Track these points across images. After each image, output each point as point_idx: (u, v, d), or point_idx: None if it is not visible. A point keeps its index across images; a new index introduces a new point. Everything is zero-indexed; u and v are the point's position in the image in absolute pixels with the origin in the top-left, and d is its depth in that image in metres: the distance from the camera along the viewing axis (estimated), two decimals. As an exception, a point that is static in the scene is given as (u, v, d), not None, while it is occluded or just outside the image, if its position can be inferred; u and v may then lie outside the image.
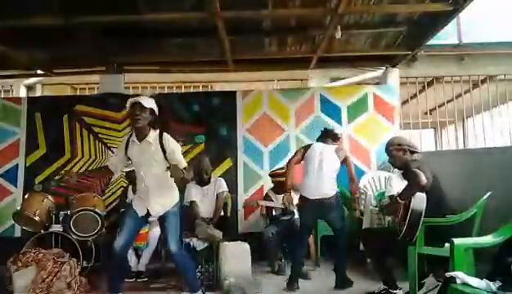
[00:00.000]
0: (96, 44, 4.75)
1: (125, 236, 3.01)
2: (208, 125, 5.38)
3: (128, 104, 2.98)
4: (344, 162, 3.83)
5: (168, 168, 2.96)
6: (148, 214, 3.09)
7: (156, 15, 4.06)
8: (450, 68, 6.82)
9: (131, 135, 3.09)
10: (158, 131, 3.03)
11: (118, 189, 5.28)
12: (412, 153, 3.32)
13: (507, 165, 3.39)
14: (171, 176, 2.94)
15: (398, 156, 3.34)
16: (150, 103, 2.95)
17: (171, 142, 3.02)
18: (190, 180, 3.86)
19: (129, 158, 3.13)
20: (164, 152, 3.00)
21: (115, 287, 3.08)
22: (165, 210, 3.06)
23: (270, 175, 4.81)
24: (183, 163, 3.03)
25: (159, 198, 3.05)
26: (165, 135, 3.03)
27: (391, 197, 3.26)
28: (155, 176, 3.04)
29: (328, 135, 3.89)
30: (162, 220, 3.10)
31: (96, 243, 4.24)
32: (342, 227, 3.73)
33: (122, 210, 3.95)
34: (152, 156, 3.01)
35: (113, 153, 5.33)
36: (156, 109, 3.01)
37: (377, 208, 4.34)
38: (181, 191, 4.46)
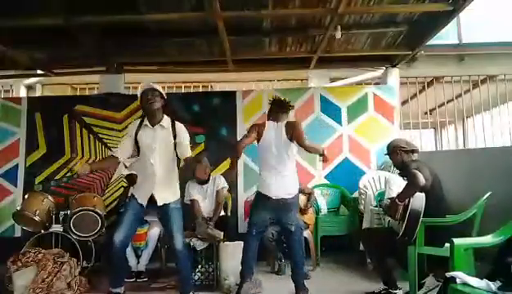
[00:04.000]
0: (96, 44, 4.75)
1: (125, 229, 2.98)
2: (208, 125, 5.38)
3: (139, 93, 3.06)
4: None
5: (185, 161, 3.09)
6: (149, 204, 3.03)
7: (156, 15, 4.06)
8: (450, 68, 6.82)
9: (142, 121, 3.09)
10: (170, 118, 3.11)
11: (118, 189, 5.28)
12: (410, 152, 3.33)
13: (507, 165, 3.39)
14: (186, 165, 3.01)
15: (397, 159, 3.39)
16: (158, 88, 3.08)
17: (183, 130, 3.13)
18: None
19: (137, 145, 3.07)
20: (175, 139, 3.06)
21: (116, 282, 3.06)
22: (168, 201, 3.04)
23: None
24: (188, 153, 3.14)
25: (165, 187, 3.04)
26: (177, 122, 3.13)
27: (390, 199, 3.27)
28: (165, 164, 3.05)
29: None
30: (166, 217, 3.07)
31: (96, 243, 4.24)
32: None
33: (121, 210, 3.94)
34: (165, 141, 3.04)
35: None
36: (164, 95, 3.14)
37: (377, 208, 4.35)
38: (181, 190, 4.50)
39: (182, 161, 3.19)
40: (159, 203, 3.03)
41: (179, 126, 3.13)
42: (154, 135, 3.04)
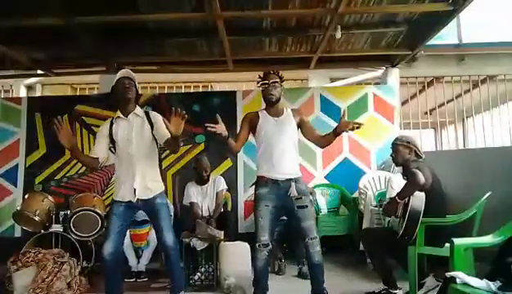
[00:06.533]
0: (96, 44, 4.75)
1: (112, 239, 2.78)
2: (208, 125, 5.37)
3: (116, 79, 2.93)
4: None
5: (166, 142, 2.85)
6: (135, 200, 2.84)
7: (156, 15, 4.06)
8: (450, 68, 6.82)
9: (112, 119, 2.99)
10: (143, 109, 3.02)
11: (118, 189, 5.28)
12: (417, 155, 3.32)
13: (507, 165, 3.39)
14: (167, 146, 2.83)
15: (403, 152, 3.33)
16: (133, 76, 2.96)
17: (157, 116, 2.99)
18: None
19: (113, 140, 2.94)
20: (152, 127, 2.92)
21: (114, 292, 2.90)
22: (152, 195, 2.89)
23: None
24: (167, 134, 2.86)
25: (147, 179, 2.89)
26: (152, 112, 3.03)
27: (391, 199, 3.26)
28: (144, 153, 2.90)
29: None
30: (153, 213, 2.93)
31: (96, 243, 4.24)
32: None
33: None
34: (141, 130, 2.92)
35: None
36: (137, 86, 3.03)
37: (377, 208, 4.35)
38: (181, 192, 4.51)
39: (164, 144, 2.92)
40: (142, 197, 2.86)
41: (154, 114, 3.01)
42: (129, 125, 2.92)
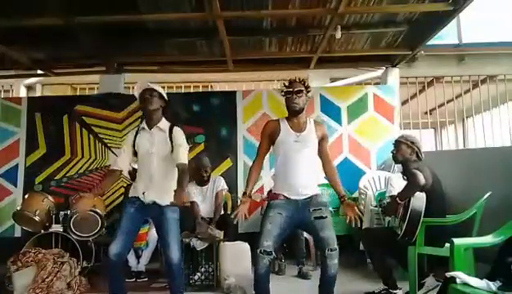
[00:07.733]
0: (96, 44, 4.75)
1: (120, 239, 2.77)
2: (208, 125, 5.38)
3: (136, 93, 2.96)
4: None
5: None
6: (146, 206, 2.86)
7: (156, 15, 4.06)
8: (450, 68, 6.82)
9: (138, 128, 3.00)
10: (169, 123, 2.99)
11: (118, 189, 5.28)
12: (417, 157, 3.32)
13: (507, 165, 3.39)
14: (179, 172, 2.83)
15: (404, 151, 3.33)
16: (158, 88, 2.96)
17: (180, 134, 2.95)
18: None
19: (135, 151, 2.95)
20: (172, 143, 2.90)
21: (118, 292, 2.88)
22: (160, 202, 2.84)
23: None
24: (182, 158, 2.88)
25: (159, 189, 2.86)
26: (176, 127, 2.98)
27: (391, 197, 3.27)
28: (163, 168, 2.90)
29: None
30: (162, 226, 2.88)
31: (96, 243, 4.24)
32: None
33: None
34: (162, 145, 2.90)
35: (113, 153, 5.33)
36: (165, 96, 3.01)
37: (377, 208, 4.35)
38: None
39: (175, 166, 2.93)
40: (149, 201, 2.85)
41: (177, 130, 2.96)
42: (152, 139, 2.92)
